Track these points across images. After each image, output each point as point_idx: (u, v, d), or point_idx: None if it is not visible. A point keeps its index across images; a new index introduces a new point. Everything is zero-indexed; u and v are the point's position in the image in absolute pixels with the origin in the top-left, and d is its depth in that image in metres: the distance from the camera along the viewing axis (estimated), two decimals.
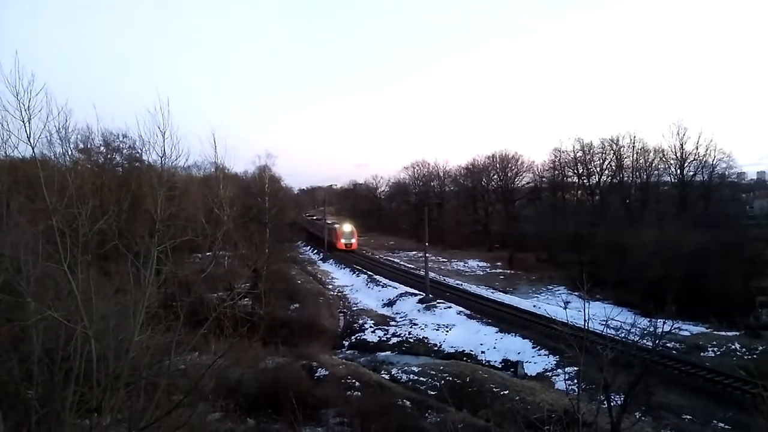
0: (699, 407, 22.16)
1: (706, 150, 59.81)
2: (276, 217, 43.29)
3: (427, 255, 47.39)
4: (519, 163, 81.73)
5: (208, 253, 26.10)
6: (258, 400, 19.06)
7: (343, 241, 70.76)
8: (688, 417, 21.34)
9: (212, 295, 23.76)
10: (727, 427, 20.25)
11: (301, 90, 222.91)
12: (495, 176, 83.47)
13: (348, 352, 34.13)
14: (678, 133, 61.23)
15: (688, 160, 61.50)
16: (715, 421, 20.84)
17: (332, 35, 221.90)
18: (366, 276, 55.58)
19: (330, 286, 53.35)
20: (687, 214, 56.50)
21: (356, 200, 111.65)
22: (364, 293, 49.60)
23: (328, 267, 65.29)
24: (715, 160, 60.02)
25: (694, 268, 40.14)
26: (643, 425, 17.97)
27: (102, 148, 35.57)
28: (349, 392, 23.20)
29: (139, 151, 34.18)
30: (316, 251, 77.80)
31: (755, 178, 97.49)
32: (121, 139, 36.27)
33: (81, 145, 31.34)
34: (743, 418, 19.19)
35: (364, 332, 37.61)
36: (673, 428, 19.91)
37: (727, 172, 61.69)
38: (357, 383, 24.42)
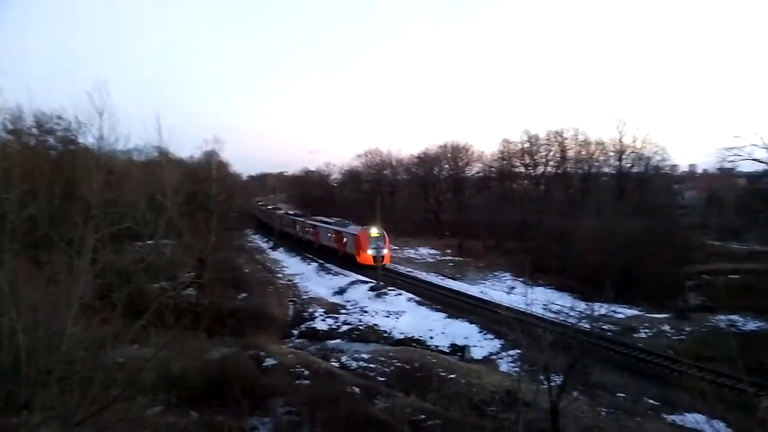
0: (632, 385, 23.32)
1: (643, 143, 62.93)
2: (224, 204, 42.17)
3: (379, 243, 47.58)
4: (469, 153, 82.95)
5: (150, 242, 25.18)
6: (202, 392, 18.58)
7: (370, 251, 48.16)
8: (622, 394, 22.46)
9: (154, 286, 22.95)
10: (656, 403, 21.39)
11: (252, 74, 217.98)
12: (446, 165, 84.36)
13: (298, 340, 33.72)
14: (617, 127, 64.07)
15: (626, 153, 64.36)
16: (645, 398, 21.98)
17: (284, 18, 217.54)
18: (317, 264, 55.20)
19: (279, 275, 52.69)
20: (624, 203, 59.08)
21: (308, 187, 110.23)
22: (314, 281, 49.28)
23: (278, 255, 64.42)
24: (650, 153, 63.23)
25: (630, 255, 42.01)
26: (580, 404, 18.74)
27: (34, 129, 33.70)
28: (298, 381, 22.78)
29: (75, 133, 32.55)
30: (266, 239, 76.61)
31: (687, 170, 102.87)
32: (55, 120, 34.42)
33: (10, 126, 29.56)
34: (671, 395, 20.33)
35: (314, 320, 37.32)
36: (607, 405, 20.88)
37: (660, 165, 65.19)
38: (306, 372, 24.07)
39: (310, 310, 39.47)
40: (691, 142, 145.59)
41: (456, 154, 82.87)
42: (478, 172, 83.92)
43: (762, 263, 43.79)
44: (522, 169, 76.15)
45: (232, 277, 38.95)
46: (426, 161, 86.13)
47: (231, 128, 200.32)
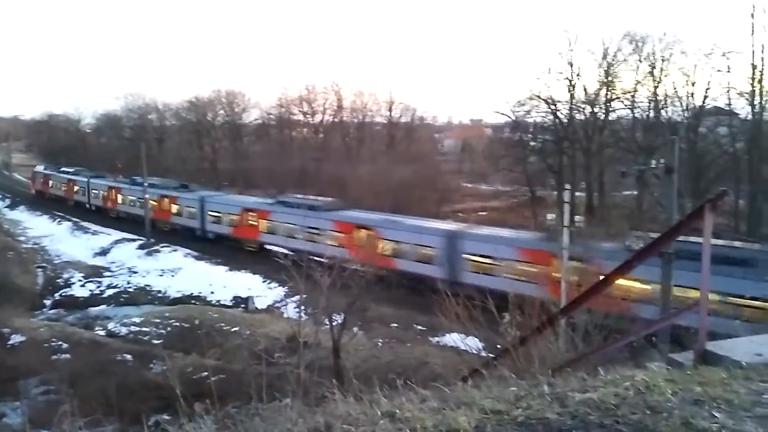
0: (403, 316, 25.92)
1: (410, 95, 68.68)
2: None
3: (147, 196, 43.22)
4: (246, 99, 79.88)
5: None
6: None
7: None
8: (395, 325, 24.93)
9: None
10: (423, 328, 24.17)
11: None
12: (221, 111, 79.99)
13: (51, 311, 29.99)
14: (388, 81, 68.65)
15: (395, 104, 69.52)
16: (415, 325, 24.71)
17: None
18: (70, 223, 48.32)
19: (22, 238, 45.26)
20: (395, 151, 64.11)
21: (53, 134, 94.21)
22: (69, 243, 43.43)
23: (19, 215, 54.59)
24: (415, 105, 69.53)
25: (399, 197, 46.10)
26: (360, 338, 20.25)
27: None
28: (55, 356, 20.92)
29: None
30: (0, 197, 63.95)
31: (446, 121, 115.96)
32: None
33: None
34: (435, 320, 23.22)
35: (71, 287, 33.38)
36: (383, 336, 22.98)
37: (424, 116, 72.22)
38: (65, 345, 22.06)
39: (66, 275, 35.12)
40: (448, 95, 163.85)
41: (231, 100, 79.09)
42: (256, 119, 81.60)
43: (503, 201, 52.32)
44: (300, 117, 76.51)
45: None
46: (198, 106, 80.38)
47: None
